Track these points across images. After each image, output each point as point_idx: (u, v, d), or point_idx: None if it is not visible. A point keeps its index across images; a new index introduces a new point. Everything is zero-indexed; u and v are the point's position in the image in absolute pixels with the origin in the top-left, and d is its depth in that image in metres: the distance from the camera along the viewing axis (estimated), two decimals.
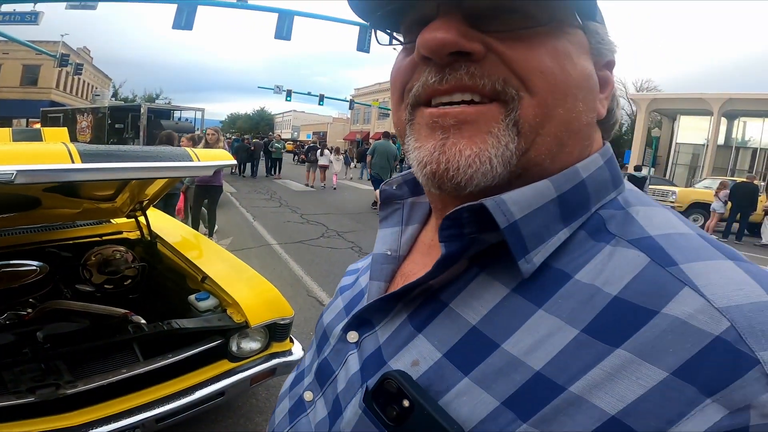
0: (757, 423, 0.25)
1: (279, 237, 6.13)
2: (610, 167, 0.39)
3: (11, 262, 2.16)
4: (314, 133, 46.50)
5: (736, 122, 19.10)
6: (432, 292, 0.39)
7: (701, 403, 0.25)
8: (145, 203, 2.45)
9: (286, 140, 27.15)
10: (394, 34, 0.42)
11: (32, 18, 13.55)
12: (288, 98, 28.71)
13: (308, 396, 0.47)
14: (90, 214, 2.46)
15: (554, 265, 0.34)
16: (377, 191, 8.91)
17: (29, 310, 1.87)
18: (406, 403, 0.33)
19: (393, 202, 0.52)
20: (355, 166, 19.99)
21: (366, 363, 0.40)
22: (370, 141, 19.55)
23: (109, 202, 2.39)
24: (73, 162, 1.37)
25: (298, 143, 30.71)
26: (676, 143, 20.92)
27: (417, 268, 0.44)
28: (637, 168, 11.50)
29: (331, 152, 14.06)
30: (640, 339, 0.28)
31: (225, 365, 1.84)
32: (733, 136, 19.18)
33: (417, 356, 0.36)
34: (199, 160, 1.67)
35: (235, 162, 2.13)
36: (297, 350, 2.04)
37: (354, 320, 0.44)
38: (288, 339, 2.06)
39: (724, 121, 18.83)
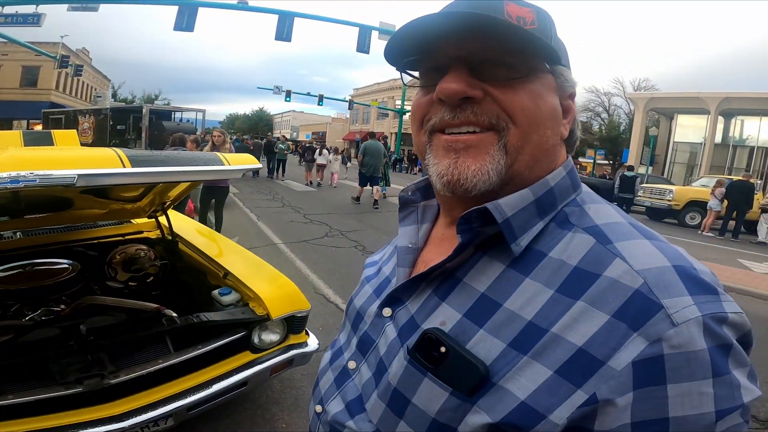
0: (668, 353, 0.36)
1: (284, 236, 6.22)
2: (570, 176, 0.53)
3: (44, 260, 2.27)
4: (313, 134, 46.36)
5: (733, 121, 19.20)
6: (449, 272, 0.52)
7: (631, 336, 0.38)
8: (167, 204, 2.56)
9: (289, 141, 26.74)
10: (414, 74, 0.55)
11: (34, 20, 13.48)
12: (287, 98, 28.58)
13: (352, 365, 0.59)
14: (114, 214, 2.57)
15: (534, 247, 0.48)
16: (362, 187, 9.07)
17: (63, 306, 1.98)
18: (442, 349, 0.45)
19: (409, 205, 0.65)
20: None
21: (402, 329, 0.52)
22: None
23: (134, 203, 2.50)
24: (124, 166, 1.48)
25: (302, 144, 30.34)
26: (674, 142, 21.03)
27: (433, 255, 0.56)
28: (630, 168, 11.76)
29: (329, 152, 14.20)
30: (591, 294, 0.41)
31: (247, 356, 1.95)
32: (731, 134, 19.27)
33: (444, 318, 0.49)
34: (230, 164, 1.79)
35: (260, 165, 2.25)
36: (312, 342, 2.15)
37: (387, 299, 0.56)
38: (304, 331, 2.17)
39: (721, 119, 18.93)
